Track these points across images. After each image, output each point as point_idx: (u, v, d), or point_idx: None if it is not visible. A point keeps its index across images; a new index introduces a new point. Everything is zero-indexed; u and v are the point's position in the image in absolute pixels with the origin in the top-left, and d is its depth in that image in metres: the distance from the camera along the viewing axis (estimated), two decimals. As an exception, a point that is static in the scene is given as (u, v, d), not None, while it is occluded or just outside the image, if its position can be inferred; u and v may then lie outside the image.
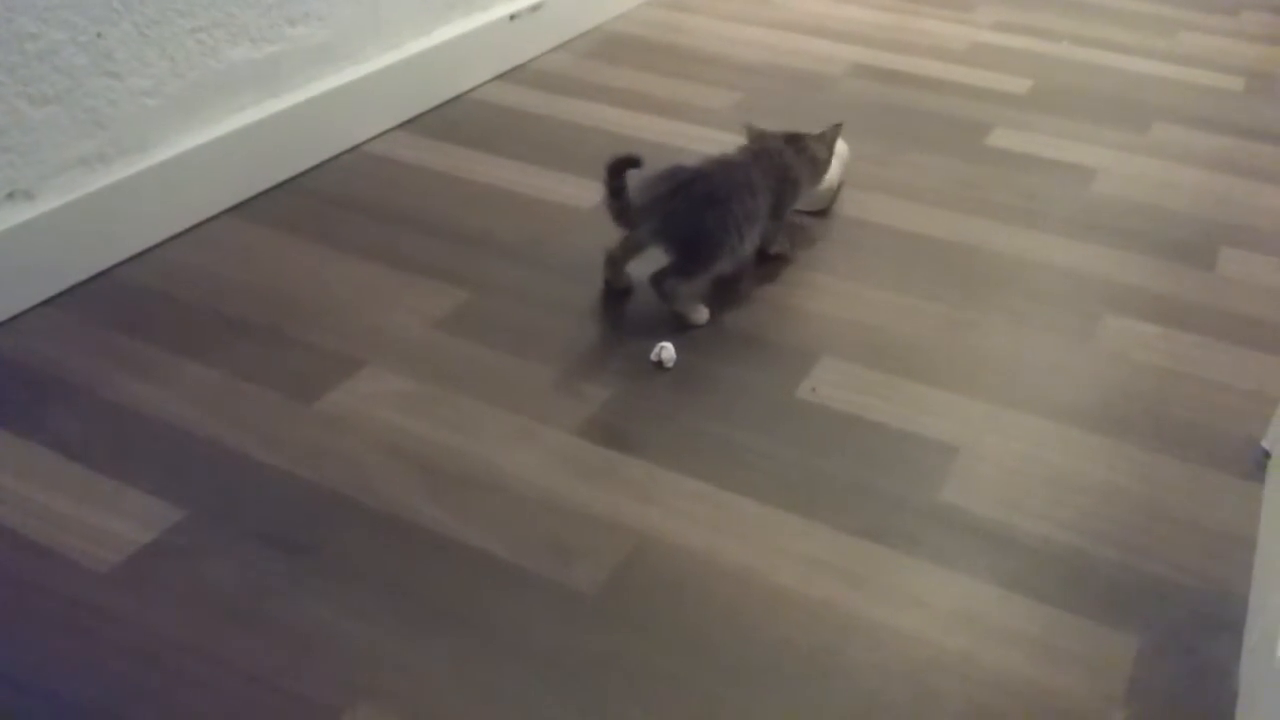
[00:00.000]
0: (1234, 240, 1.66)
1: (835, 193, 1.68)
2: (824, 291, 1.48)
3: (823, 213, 1.66)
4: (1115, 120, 2.05)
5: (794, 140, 1.51)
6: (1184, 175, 1.86)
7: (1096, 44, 2.42)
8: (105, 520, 1.07)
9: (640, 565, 1.05)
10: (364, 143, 1.81)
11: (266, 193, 1.65)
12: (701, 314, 1.39)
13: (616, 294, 1.45)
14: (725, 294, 1.44)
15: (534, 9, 2.13)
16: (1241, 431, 1.26)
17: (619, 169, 1.35)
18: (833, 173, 1.64)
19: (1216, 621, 1.02)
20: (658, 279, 1.38)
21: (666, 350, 1.32)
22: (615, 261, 1.43)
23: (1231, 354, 1.40)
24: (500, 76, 2.08)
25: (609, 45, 2.26)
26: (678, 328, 1.38)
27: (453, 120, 1.91)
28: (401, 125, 1.87)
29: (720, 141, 1.51)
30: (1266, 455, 1.21)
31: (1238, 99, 2.18)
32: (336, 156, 1.76)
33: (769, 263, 1.51)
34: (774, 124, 1.56)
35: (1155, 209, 1.74)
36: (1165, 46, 2.43)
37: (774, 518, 1.11)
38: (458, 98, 1.99)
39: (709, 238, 1.36)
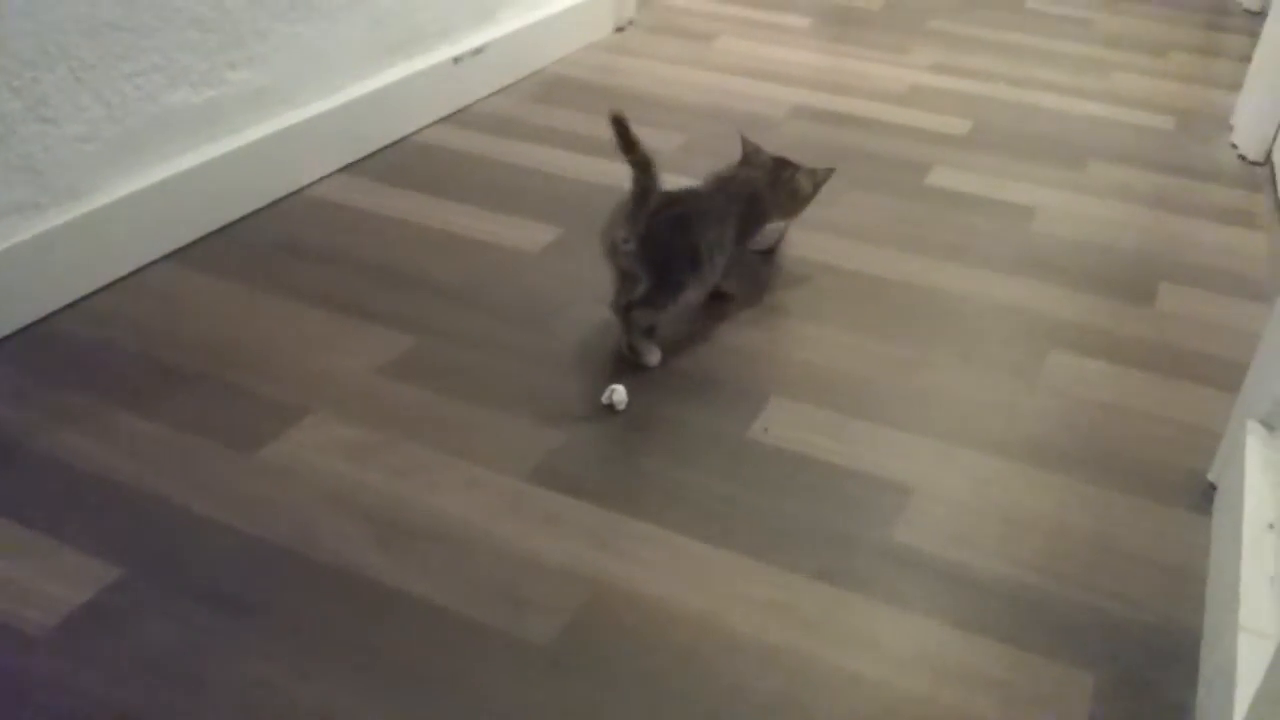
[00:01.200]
0: (1172, 276, 1.69)
1: (782, 232, 1.69)
2: (772, 331, 1.48)
3: (769, 252, 1.67)
4: (1052, 159, 2.08)
5: (782, 165, 1.54)
6: (1121, 212, 1.89)
7: (1032, 85, 2.47)
8: (39, 581, 1.03)
9: (596, 614, 1.03)
10: (306, 187, 1.78)
11: (206, 239, 1.62)
12: (654, 355, 1.38)
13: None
14: (674, 335, 1.44)
15: (477, 52, 2.13)
16: (1187, 465, 1.28)
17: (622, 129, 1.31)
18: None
19: (1171, 656, 1.03)
20: (626, 308, 1.36)
21: (617, 393, 1.31)
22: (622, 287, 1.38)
23: (1174, 388, 1.42)
24: (444, 119, 2.07)
25: (553, 88, 2.26)
26: (628, 369, 1.37)
27: (396, 163, 1.89)
28: (344, 169, 1.85)
29: (668, 184, 1.50)
30: (1213, 488, 1.23)
31: (1169, 137, 2.23)
32: (278, 201, 1.73)
33: (716, 302, 1.51)
34: (718, 165, 1.56)
35: (1094, 246, 1.77)
36: (1098, 87, 2.49)
37: (729, 561, 1.10)
38: (401, 141, 1.97)
39: (680, 261, 1.35)
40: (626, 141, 1.31)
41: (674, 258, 1.35)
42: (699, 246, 1.37)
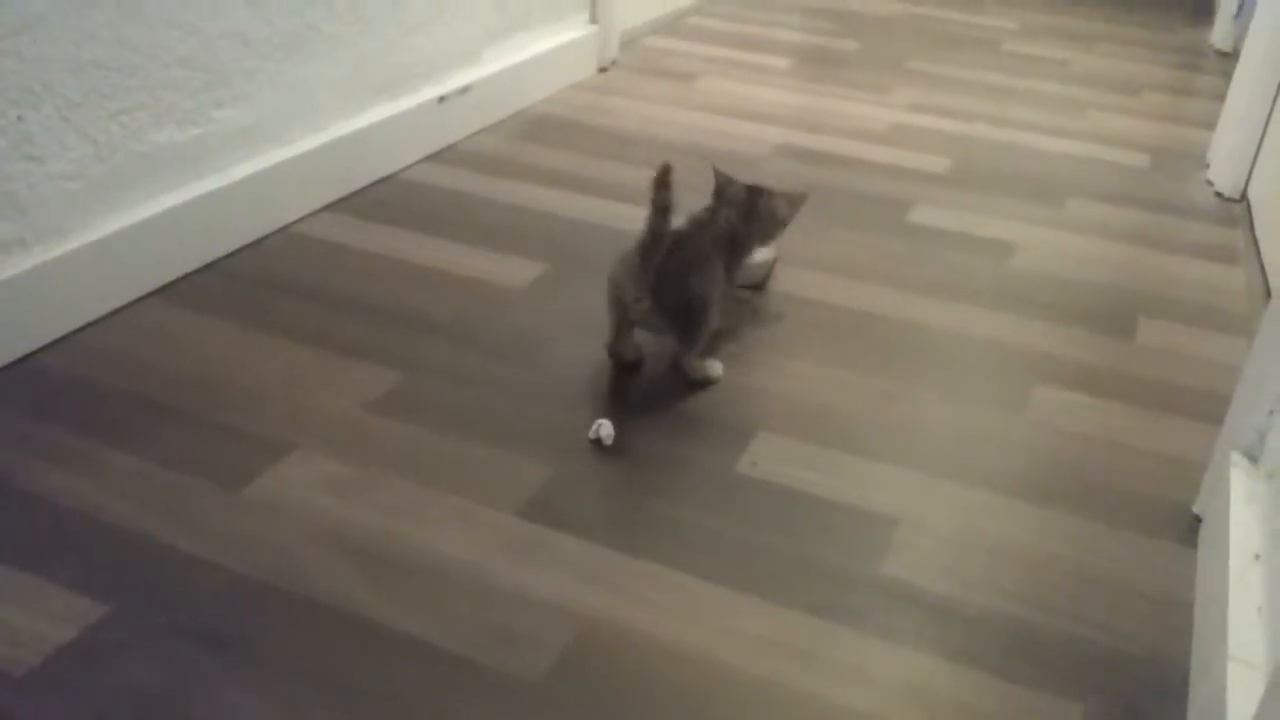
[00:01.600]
0: (1151, 310, 1.71)
1: (770, 267, 1.70)
2: (758, 366, 1.49)
3: (758, 287, 1.68)
4: (1031, 197, 2.11)
5: (757, 193, 1.56)
6: (1100, 248, 1.91)
7: (1010, 124, 2.51)
8: (22, 619, 1.02)
9: (586, 650, 1.03)
10: (291, 224, 1.79)
11: (191, 275, 1.61)
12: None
13: (626, 367, 1.45)
14: (660, 369, 1.44)
15: (462, 91, 2.14)
16: (1171, 497, 1.28)
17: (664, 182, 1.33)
18: (769, 248, 1.67)
19: (1159, 687, 1.03)
20: (675, 366, 1.43)
21: (605, 427, 1.31)
22: (621, 332, 1.43)
23: (1157, 421, 1.43)
24: (429, 157, 2.08)
25: (537, 127, 2.28)
26: (615, 404, 1.37)
27: (382, 201, 1.90)
28: (329, 206, 1.86)
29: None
30: (1197, 520, 1.24)
31: (1144, 175, 2.27)
32: (263, 238, 1.74)
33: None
34: (700, 203, 1.57)
35: (1074, 281, 1.79)
36: (1074, 126, 2.53)
37: (719, 596, 1.10)
38: (386, 178, 1.98)
39: (694, 301, 1.38)
40: (662, 183, 1.32)
41: (688, 301, 1.38)
42: (706, 285, 1.39)
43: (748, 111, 2.46)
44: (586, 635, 1.04)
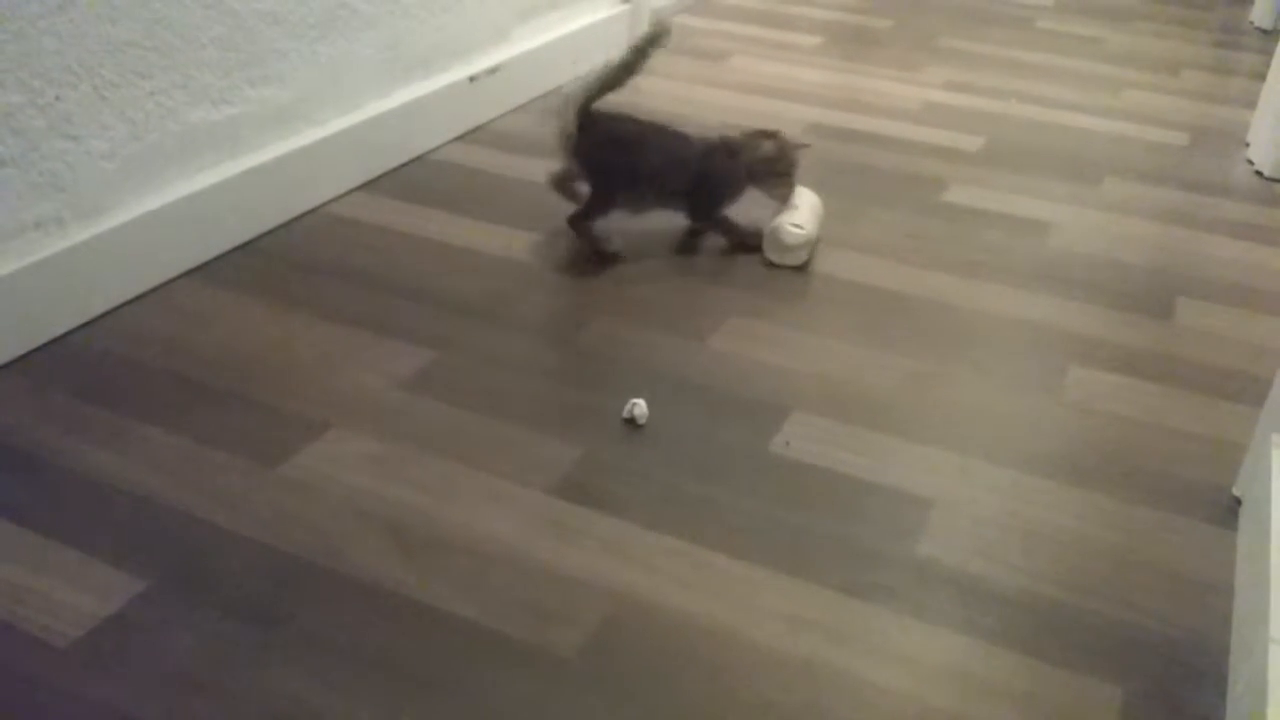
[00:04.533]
0: (1189, 291, 1.69)
1: (812, 246, 1.69)
2: (791, 346, 1.48)
3: (801, 267, 1.67)
4: (1067, 176, 2.09)
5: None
6: (1137, 228, 1.89)
7: (1045, 102, 2.48)
8: (64, 593, 1.03)
9: (620, 627, 1.03)
10: (325, 204, 1.79)
11: (226, 255, 1.62)
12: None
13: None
14: (691, 349, 1.44)
15: (492, 71, 2.14)
16: (1210, 479, 1.27)
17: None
18: (810, 227, 1.66)
19: (1198, 670, 1.02)
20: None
21: (639, 407, 1.31)
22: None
23: (1195, 402, 1.41)
24: (460, 137, 2.08)
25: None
26: (650, 383, 1.37)
27: (414, 181, 1.90)
28: (363, 186, 1.86)
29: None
30: (1238, 502, 1.22)
31: (1183, 153, 2.24)
32: (297, 218, 1.74)
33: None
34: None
35: (1111, 261, 1.77)
36: (1111, 104, 2.50)
37: (754, 575, 1.10)
38: (418, 158, 1.98)
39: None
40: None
41: None
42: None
43: (780, 90, 2.45)
44: (620, 613, 1.04)
